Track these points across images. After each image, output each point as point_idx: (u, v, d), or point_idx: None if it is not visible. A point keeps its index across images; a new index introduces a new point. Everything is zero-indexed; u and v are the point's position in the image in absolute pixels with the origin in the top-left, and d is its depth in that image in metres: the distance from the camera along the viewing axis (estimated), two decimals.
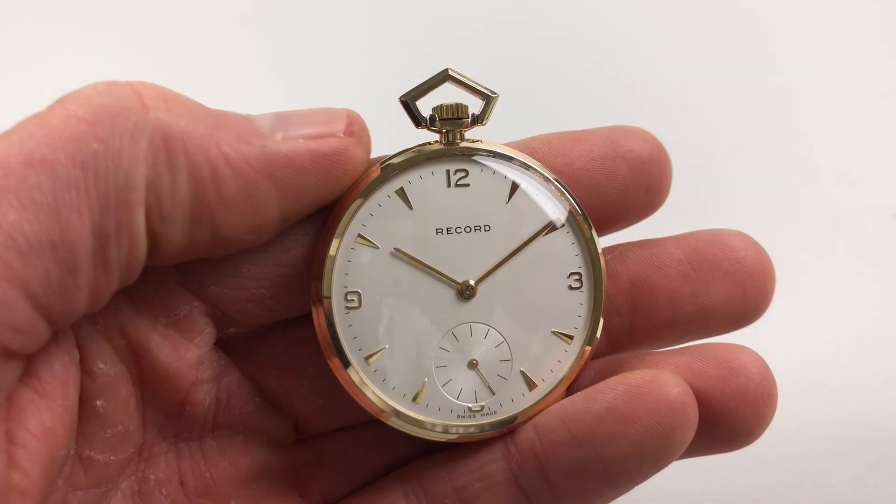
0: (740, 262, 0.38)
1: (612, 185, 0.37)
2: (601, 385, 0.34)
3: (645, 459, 0.32)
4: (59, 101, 0.29)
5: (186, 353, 0.35)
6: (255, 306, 0.36)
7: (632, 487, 0.33)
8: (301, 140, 0.33)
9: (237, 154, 0.31)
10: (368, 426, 0.38)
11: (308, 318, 0.36)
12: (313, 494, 0.37)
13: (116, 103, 0.29)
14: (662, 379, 0.33)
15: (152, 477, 0.35)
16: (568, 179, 0.37)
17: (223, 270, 0.35)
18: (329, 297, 0.35)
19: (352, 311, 0.35)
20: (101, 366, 0.33)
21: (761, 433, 0.35)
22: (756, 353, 0.36)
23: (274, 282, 0.35)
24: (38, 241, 0.27)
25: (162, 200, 0.30)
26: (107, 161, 0.28)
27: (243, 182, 0.31)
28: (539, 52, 0.75)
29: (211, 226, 0.31)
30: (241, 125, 0.32)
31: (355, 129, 0.34)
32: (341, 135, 0.33)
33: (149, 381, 0.35)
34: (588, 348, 0.37)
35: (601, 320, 0.37)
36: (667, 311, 0.38)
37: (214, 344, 0.37)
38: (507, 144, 0.39)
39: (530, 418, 0.35)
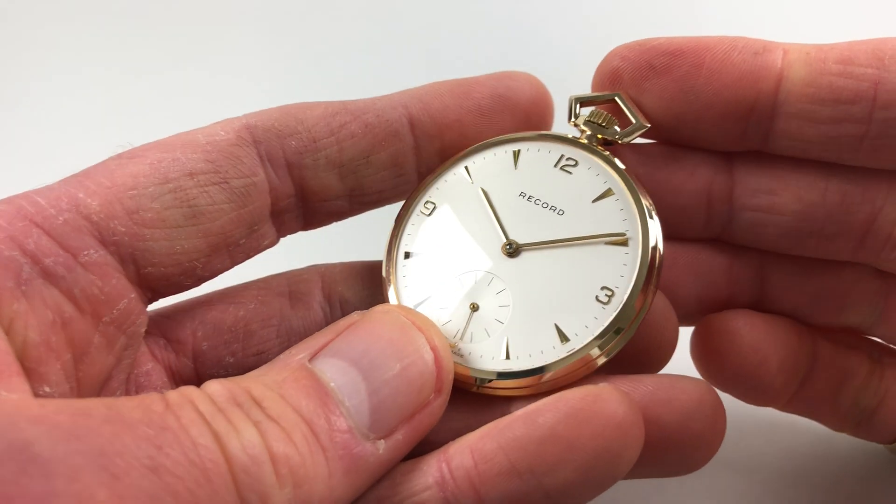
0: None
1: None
2: (540, 405, 0.32)
3: (589, 484, 0.31)
4: None
5: (118, 345, 0.34)
6: (186, 278, 0.36)
7: None
8: (401, 436, 0.32)
9: None
10: None
11: (227, 303, 0.39)
12: None
13: None
14: (606, 398, 0.31)
15: None
16: (457, 134, 0.41)
17: (159, 251, 0.34)
18: (412, 205, 0.41)
19: (421, 217, 0.41)
20: (46, 389, 0.31)
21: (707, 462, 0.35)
22: (709, 386, 0.35)
23: (204, 252, 0.36)
24: None
25: None
26: None
27: None
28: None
29: None
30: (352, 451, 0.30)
31: (444, 376, 0.33)
32: (431, 396, 0.33)
33: (88, 390, 0.33)
34: (581, 360, 0.35)
35: (610, 353, 0.36)
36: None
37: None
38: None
39: (492, 386, 0.36)
